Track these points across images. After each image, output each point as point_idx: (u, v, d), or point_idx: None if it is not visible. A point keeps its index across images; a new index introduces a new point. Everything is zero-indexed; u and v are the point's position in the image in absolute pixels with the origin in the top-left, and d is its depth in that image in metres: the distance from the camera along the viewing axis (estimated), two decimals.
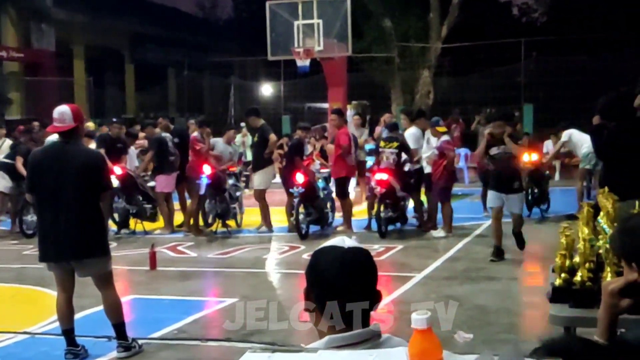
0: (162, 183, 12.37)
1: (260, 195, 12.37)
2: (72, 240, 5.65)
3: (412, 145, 11.95)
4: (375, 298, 2.06)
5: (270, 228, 12.46)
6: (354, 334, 1.99)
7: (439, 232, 11.55)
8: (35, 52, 26.58)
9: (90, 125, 17.32)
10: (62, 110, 5.79)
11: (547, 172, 14.32)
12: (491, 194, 9.70)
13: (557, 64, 22.96)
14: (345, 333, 2.00)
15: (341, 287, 2.00)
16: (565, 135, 12.97)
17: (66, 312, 5.86)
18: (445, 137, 11.58)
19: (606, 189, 4.00)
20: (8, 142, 14.20)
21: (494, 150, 9.45)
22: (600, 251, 3.97)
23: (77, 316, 6.13)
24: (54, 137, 12.88)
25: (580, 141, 12.47)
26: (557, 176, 18.65)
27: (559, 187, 16.21)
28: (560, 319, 3.90)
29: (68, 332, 5.88)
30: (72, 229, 5.61)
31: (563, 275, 4.07)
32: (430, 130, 11.83)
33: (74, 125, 5.76)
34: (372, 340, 2.01)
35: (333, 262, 2.02)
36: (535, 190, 13.19)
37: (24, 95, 26.75)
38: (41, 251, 5.85)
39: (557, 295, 4.01)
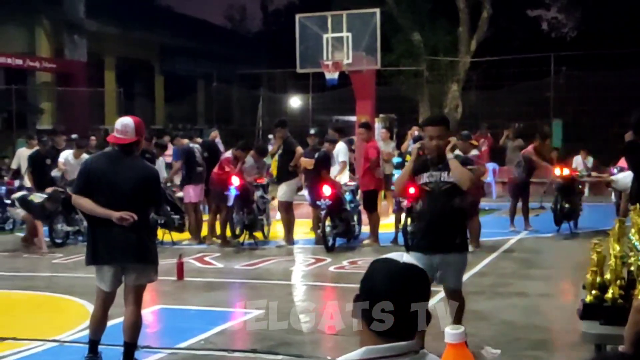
0: (190, 193, 12.50)
1: (283, 207, 12.39)
2: (129, 245, 5.62)
3: (342, 158, 12.67)
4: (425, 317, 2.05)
5: (290, 242, 12.36)
6: (392, 346, 2.00)
7: None
8: (67, 63, 26.94)
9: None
10: (125, 123, 5.74)
11: (580, 186, 14.16)
12: (415, 257, 4.97)
13: (586, 79, 22.78)
14: (384, 345, 2.01)
15: (389, 300, 2.01)
16: (614, 177, 12.86)
17: (101, 324, 5.84)
18: (474, 152, 11.56)
19: (638, 205, 3.97)
20: None
21: (424, 178, 5.78)
22: (632, 268, 3.94)
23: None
24: (67, 153, 13.15)
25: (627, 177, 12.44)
26: (586, 192, 18.48)
27: (589, 203, 16.06)
28: (591, 336, 3.88)
29: (96, 342, 5.89)
30: (129, 234, 5.58)
31: (594, 292, 4.04)
32: (459, 145, 11.78)
33: (135, 139, 5.75)
34: (410, 355, 2.02)
35: (385, 274, 2.05)
36: (566, 205, 13.03)
37: (55, 105, 27.11)
38: (93, 254, 5.75)
39: (588, 312, 3.99)
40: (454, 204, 5.73)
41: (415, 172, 5.82)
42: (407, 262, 2.08)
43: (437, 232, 5.73)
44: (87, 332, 6.24)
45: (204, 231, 12.87)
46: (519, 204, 13.50)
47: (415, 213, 6.01)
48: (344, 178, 12.91)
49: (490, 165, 18.53)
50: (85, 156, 13.29)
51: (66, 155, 13.30)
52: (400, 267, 2.06)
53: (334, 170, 12.52)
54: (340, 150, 12.78)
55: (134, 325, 5.78)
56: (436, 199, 5.73)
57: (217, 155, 12.97)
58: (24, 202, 12.52)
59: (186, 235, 12.96)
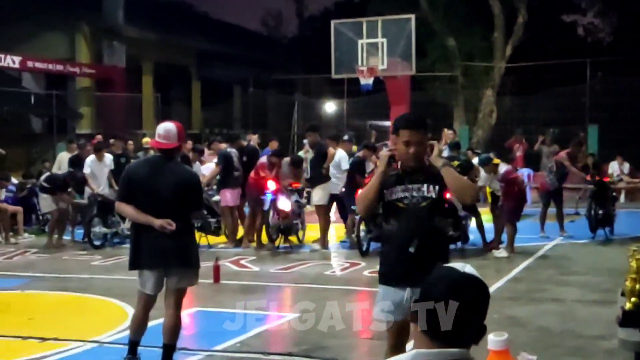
0: (227, 197, 12.61)
1: (320, 211, 12.44)
2: (171, 249, 5.67)
3: (344, 166, 12.44)
4: (479, 331, 2.08)
5: (325, 246, 12.40)
6: (442, 351, 2.02)
7: (501, 252, 11.46)
8: (106, 69, 27.30)
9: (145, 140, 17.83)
10: (168, 128, 5.81)
11: (614, 192, 14.00)
12: (383, 291, 4.62)
13: (623, 84, 22.55)
14: (434, 350, 2.03)
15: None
16: None
17: (142, 326, 5.92)
18: (504, 168, 11.65)
19: None
20: None
21: (397, 192, 4.58)
22: None
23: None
24: (89, 158, 13.45)
25: None
26: (622, 198, 18.28)
27: (625, 209, 15.89)
28: (630, 344, 3.86)
29: (136, 344, 5.98)
30: (171, 239, 5.63)
31: (633, 299, 4.02)
32: (484, 168, 11.84)
33: (177, 145, 5.83)
34: None
35: (446, 282, 2.07)
36: (600, 212, 12.89)
37: (94, 110, 27.49)
38: (135, 259, 5.80)
39: (627, 319, 3.96)
40: (435, 224, 4.56)
41: (385, 186, 4.60)
42: (468, 273, 2.10)
43: (413, 259, 4.40)
44: (125, 333, 6.35)
45: (240, 234, 12.98)
46: (552, 210, 13.42)
47: (384, 235, 4.76)
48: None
49: (525, 171, 18.43)
50: (107, 155, 13.66)
51: (88, 161, 13.51)
52: (461, 277, 2.07)
53: (336, 180, 12.54)
54: (342, 158, 12.70)
55: (174, 328, 5.85)
56: (412, 218, 4.51)
57: (256, 160, 13.05)
58: (49, 180, 13.05)
59: (222, 238, 13.10)
